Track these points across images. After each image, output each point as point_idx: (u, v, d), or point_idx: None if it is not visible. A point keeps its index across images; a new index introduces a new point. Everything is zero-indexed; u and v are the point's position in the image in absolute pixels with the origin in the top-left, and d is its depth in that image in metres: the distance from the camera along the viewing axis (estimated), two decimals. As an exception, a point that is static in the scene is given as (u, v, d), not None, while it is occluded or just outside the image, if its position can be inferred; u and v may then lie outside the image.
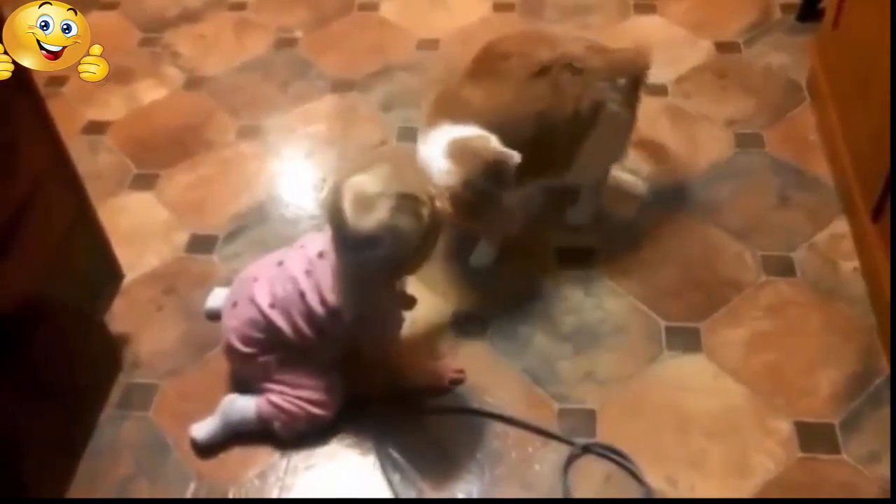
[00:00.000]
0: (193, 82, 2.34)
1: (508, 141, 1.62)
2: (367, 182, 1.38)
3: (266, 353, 1.50)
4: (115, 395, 1.63)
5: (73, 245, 1.51)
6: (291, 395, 1.50)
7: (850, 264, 1.78)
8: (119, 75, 2.37)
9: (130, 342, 1.71)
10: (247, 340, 1.50)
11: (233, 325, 1.52)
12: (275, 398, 1.50)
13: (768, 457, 1.49)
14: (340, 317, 1.47)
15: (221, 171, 2.07)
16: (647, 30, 2.43)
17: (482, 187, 1.59)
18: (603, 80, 1.71)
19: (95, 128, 2.21)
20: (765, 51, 2.33)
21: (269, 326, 1.49)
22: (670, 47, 2.36)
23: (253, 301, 1.50)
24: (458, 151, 1.60)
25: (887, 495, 1.43)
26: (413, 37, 2.44)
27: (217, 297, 1.69)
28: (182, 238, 1.91)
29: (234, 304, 1.54)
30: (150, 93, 2.32)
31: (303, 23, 2.52)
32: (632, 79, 1.74)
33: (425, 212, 1.38)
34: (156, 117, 2.25)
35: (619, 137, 1.82)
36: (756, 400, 1.57)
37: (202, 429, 1.52)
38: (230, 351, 1.54)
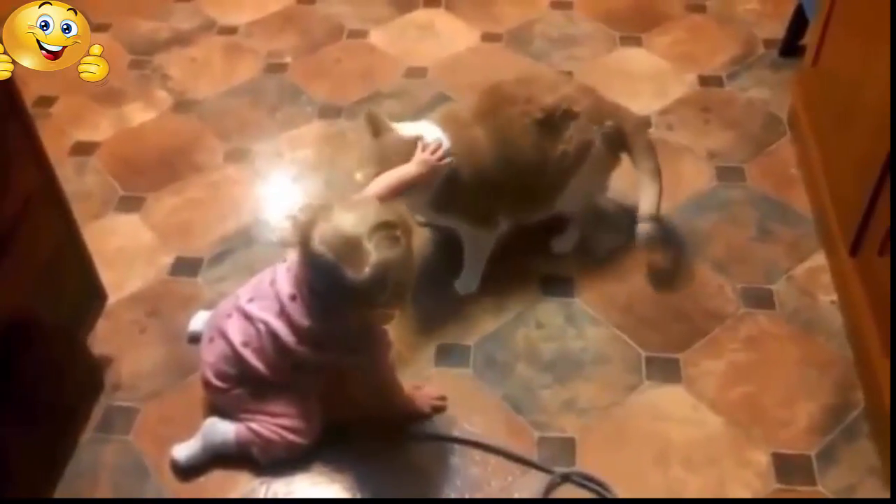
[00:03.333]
0: (182, 105, 2.36)
1: (488, 183, 1.71)
2: (339, 227, 1.37)
3: (239, 386, 1.51)
4: (96, 417, 1.62)
5: (60, 266, 1.51)
6: (269, 423, 1.50)
7: (827, 298, 1.81)
8: (108, 97, 2.38)
9: (112, 364, 1.71)
10: (221, 375, 1.52)
11: (209, 361, 1.53)
12: (253, 425, 1.51)
13: (745, 488, 1.51)
14: (322, 351, 1.47)
15: (208, 195, 2.08)
16: (632, 62, 2.46)
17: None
18: (593, 121, 1.76)
19: (83, 149, 2.22)
20: (747, 85, 2.37)
21: (242, 363, 1.49)
22: (655, 80, 2.40)
23: (225, 337, 1.51)
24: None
25: (863, 529, 1.45)
26: (401, 65, 2.47)
27: (200, 321, 1.69)
28: (167, 261, 1.92)
29: (211, 340, 1.55)
30: (138, 115, 2.33)
31: (292, 48, 2.55)
32: (617, 126, 1.79)
33: (399, 233, 1.39)
34: (144, 139, 2.26)
35: (602, 176, 1.88)
36: (734, 431, 1.59)
37: (183, 450, 1.52)
38: (207, 385, 1.55)
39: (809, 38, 2.12)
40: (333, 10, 2.70)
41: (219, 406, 1.57)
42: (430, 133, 1.68)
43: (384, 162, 1.62)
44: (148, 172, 2.15)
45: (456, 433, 1.58)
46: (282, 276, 1.51)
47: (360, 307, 1.42)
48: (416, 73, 2.44)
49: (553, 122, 1.73)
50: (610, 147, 1.79)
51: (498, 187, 1.72)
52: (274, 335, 1.47)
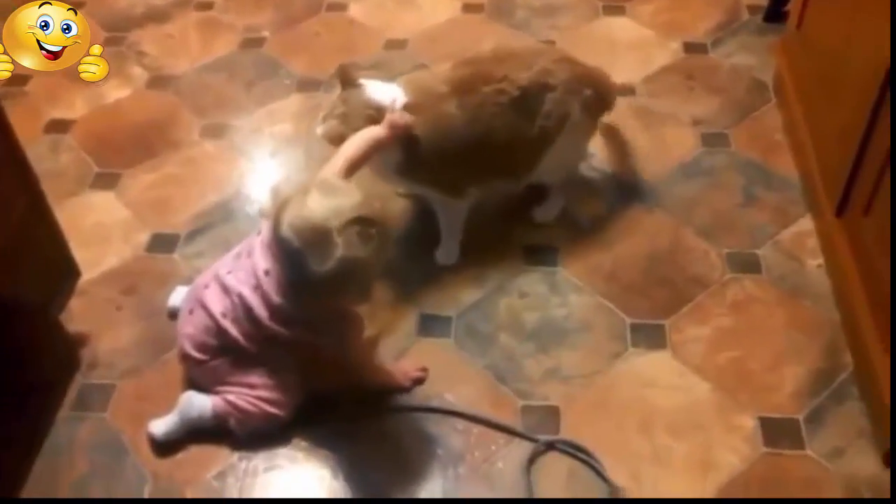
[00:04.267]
0: (158, 81, 2.32)
1: (472, 150, 1.68)
2: (311, 215, 1.34)
3: (217, 357, 1.48)
4: (72, 394, 1.59)
5: (26, 240, 1.48)
6: (247, 395, 1.48)
7: (814, 262, 1.78)
8: (83, 74, 2.34)
9: (89, 342, 1.68)
10: (201, 347, 1.49)
11: (188, 332, 1.51)
12: (231, 397, 1.48)
13: (733, 453, 1.48)
14: (291, 329, 1.45)
15: (185, 171, 2.05)
16: (615, 31, 2.43)
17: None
18: (571, 91, 1.72)
19: (58, 126, 2.18)
20: (731, 51, 2.34)
21: (223, 334, 1.47)
22: (639, 48, 2.36)
23: (205, 308, 1.48)
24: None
25: (851, 492, 1.43)
26: (381, 37, 2.43)
27: (179, 296, 1.67)
28: (143, 237, 1.89)
29: (191, 311, 1.52)
30: (114, 92, 2.29)
31: (270, 23, 2.50)
32: (596, 92, 1.76)
33: (373, 231, 1.36)
34: (119, 116, 2.22)
35: (581, 143, 1.86)
36: (720, 396, 1.57)
37: (160, 425, 1.50)
38: (185, 357, 1.52)
39: (793, 3, 2.08)
40: (312, -17, 2.66)
41: (196, 380, 1.54)
42: (390, 95, 1.65)
43: (347, 118, 1.60)
44: (123, 149, 2.11)
45: (436, 404, 1.56)
46: (258, 249, 1.48)
47: (322, 297, 1.40)
48: (396, 44, 2.40)
49: (529, 99, 1.69)
50: (589, 114, 1.76)
51: (468, 160, 1.69)
52: (247, 308, 1.45)
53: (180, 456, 1.50)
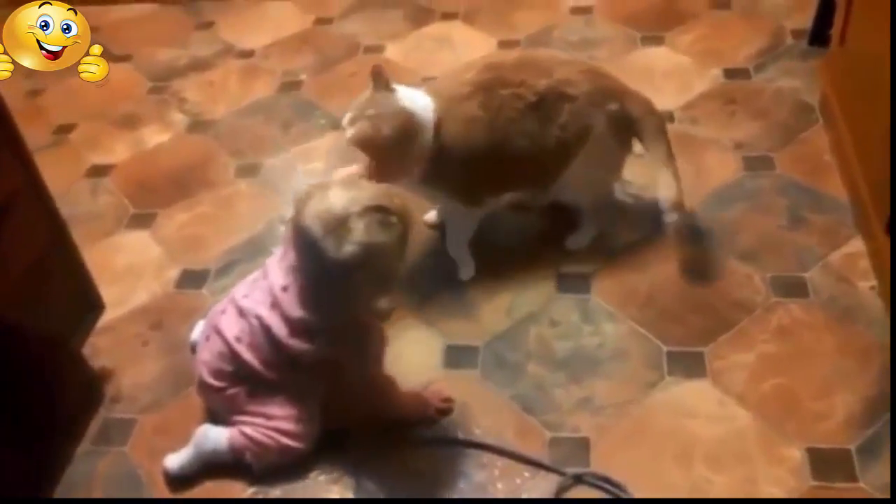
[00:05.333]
0: (197, 125, 2.35)
1: (490, 155, 1.64)
2: (331, 205, 1.33)
3: (235, 385, 1.45)
4: (94, 428, 1.58)
5: (47, 272, 1.48)
6: (263, 427, 1.43)
7: (866, 284, 1.67)
8: (125, 122, 2.40)
9: (113, 377, 1.67)
10: (217, 374, 1.46)
11: (205, 359, 1.48)
12: (247, 429, 1.44)
13: (778, 486, 1.37)
14: (314, 343, 1.40)
15: (218, 210, 2.05)
16: (653, 60, 2.38)
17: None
18: (594, 104, 1.67)
19: (98, 171, 2.23)
20: (775, 76, 2.26)
21: (237, 359, 1.43)
22: (677, 75, 2.31)
23: (220, 333, 1.45)
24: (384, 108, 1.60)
25: (910, 526, 1.31)
26: (416, 75, 2.42)
27: (200, 329, 1.64)
28: (173, 274, 1.89)
29: (207, 338, 1.49)
30: (154, 137, 2.33)
31: (308, 66, 2.53)
32: (623, 108, 1.70)
33: (394, 219, 1.33)
34: (158, 160, 2.25)
35: (609, 161, 1.79)
36: (764, 426, 1.46)
37: (175, 459, 1.46)
38: (202, 385, 1.49)
39: (836, 20, 2.01)
40: (349, 29, 2.69)
41: (214, 409, 1.51)
42: (420, 102, 1.63)
43: (376, 121, 1.57)
44: (160, 191, 2.13)
45: (461, 436, 1.49)
46: (273, 268, 1.45)
47: (342, 289, 1.35)
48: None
49: (546, 107, 1.65)
50: (615, 131, 1.70)
51: (487, 164, 1.65)
52: (266, 328, 1.41)
53: (196, 490, 1.46)
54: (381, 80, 1.62)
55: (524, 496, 1.40)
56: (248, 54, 2.63)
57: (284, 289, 1.41)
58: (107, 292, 1.71)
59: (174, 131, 2.34)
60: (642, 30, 2.50)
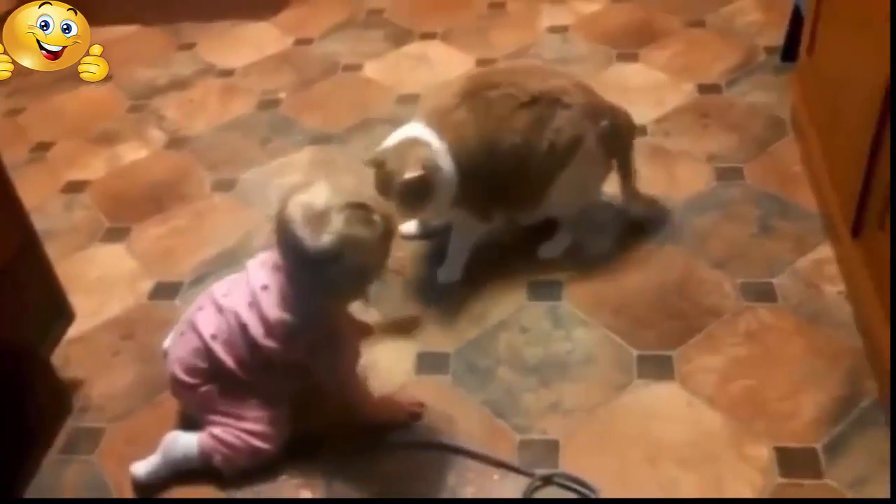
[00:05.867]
0: (175, 142, 2.36)
1: (480, 170, 1.65)
2: (313, 198, 1.34)
3: (208, 382, 1.44)
4: (62, 438, 1.57)
5: (16, 279, 1.48)
6: (234, 428, 1.43)
7: (834, 288, 1.69)
8: (104, 139, 2.41)
9: (83, 387, 1.66)
10: (190, 370, 1.45)
11: (179, 356, 1.47)
12: (217, 430, 1.44)
13: (745, 484, 1.37)
14: (290, 346, 1.40)
15: (192, 223, 2.06)
16: (628, 76, 2.41)
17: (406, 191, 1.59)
18: (587, 116, 1.70)
19: (74, 187, 2.23)
20: (748, 90, 2.29)
21: (211, 357, 1.43)
22: (652, 91, 2.33)
23: (195, 330, 1.45)
24: (399, 151, 1.62)
25: (876, 523, 1.31)
26: (394, 93, 2.46)
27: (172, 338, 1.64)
28: (147, 286, 1.89)
29: (182, 334, 1.49)
30: (131, 153, 2.34)
31: (287, 85, 2.55)
32: (613, 125, 1.74)
33: (376, 217, 1.35)
34: (134, 175, 2.26)
35: (594, 176, 1.81)
36: (733, 426, 1.46)
37: (142, 466, 1.45)
38: (174, 382, 1.48)
39: (804, 31, 2.04)
40: (329, 48, 2.72)
41: (186, 408, 1.51)
42: (418, 133, 1.64)
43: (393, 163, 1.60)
44: (136, 205, 2.14)
45: (430, 439, 1.48)
46: (255, 268, 1.46)
47: (318, 283, 1.36)
48: (408, 99, 2.41)
49: (539, 108, 1.66)
50: (604, 147, 1.72)
51: (486, 175, 1.66)
52: (243, 326, 1.41)
53: (164, 496, 1.45)
54: (378, 163, 1.64)
55: (494, 496, 1.39)
56: (227, 73, 2.66)
57: (264, 288, 1.41)
58: (79, 304, 1.70)
59: (152, 148, 2.36)
60: (618, 47, 2.54)
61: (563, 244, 1.84)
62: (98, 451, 1.54)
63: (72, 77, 2.66)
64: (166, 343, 1.65)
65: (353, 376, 1.49)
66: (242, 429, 1.43)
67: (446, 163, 1.62)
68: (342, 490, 1.44)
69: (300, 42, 2.78)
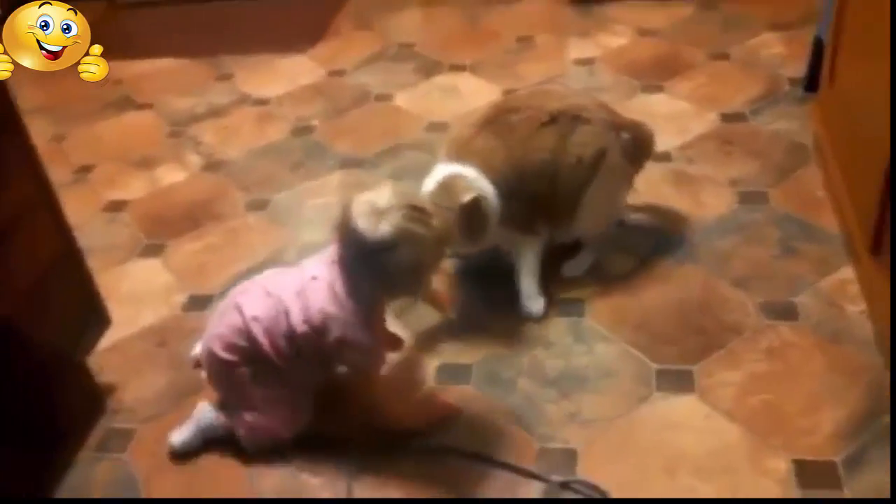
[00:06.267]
0: (211, 165, 2.45)
1: (515, 189, 1.69)
2: (377, 198, 1.41)
3: (244, 363, 1.49)
4: (96, 437, 1.62)
5: (55, 282, 1.54)
6: (258, 411, 1.51)
7: (856, 308, 1.70)
8: (143, 162, 2.50)
9: (117, 390, 1.71)
10: (229, 347, 1.49)
11: (217, 333, 1.51)
12: (243, 414, 1.51)
13: (764, 495, 1.38)
14: (321, 336, 1.45)
15: (226, 240, 2.13)
16: (653, 105, 2.46)
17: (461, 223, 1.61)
18: (608, 128, 1.75)
19: (114, 206, 2.32)
20: (771, 119, 2.32)
21: (249, 337, 1.48)
22: (675, 119, 2.38)
23: (239, 310, 1.50)
24: (444, 188, 1.65)
25: (894, 532, 1.31)
26: (424, 120, 2.52)
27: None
28: (181, 298, 1.95)
29: (223, 314, 1.54)
30: (169, 175, 2.42)
31: (320, 113, 2.64)
32: (634, 137, 1.79)
33: (434, 222, 1.41)
34: (172, 196, 2.34)
35: (619, 190, 1.84)
36: (751, 439, 1.47)
37: (178, 435, 1.55)
38: (210, 358, 1.52)
39: (825, 60, 2.08)
40: (361, 80, 2.81)
41: (218, 390, 1.57)
42: (450, 170, 1.68)
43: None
44: (172, 224, 2.21)
45: (449, 446, 1.51)
46: (309, 262, 1.53)
47: (375, 275, 1.41)
48: (438, 127, 2.48)
49: (560, 125, 1.71)
50: (628, 160, 1.78)
51: (521, 193, 1.70)
52: (285, 311, 1.46)
53: (197, 463, 1.54)
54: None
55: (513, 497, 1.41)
56: (263, 102, 2.75)
57: (314, 278, 1.47)
58: (116, 314, 1.76)
59: (189, 171, 2.44)
60: (642, 79, 2.59)
61: (586, 262, 1.87)
62: (129, 449, 1.59)
63: (114, 105, 2.80)
64: (194, 350, 1.70)
65: (376, 379, 1.53)
66: (266, 415, 1.50)
67: (485, 185, 1.66)
68: (361, 492, 1.46)
69: (333, 73, 2.87)
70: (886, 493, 1.35)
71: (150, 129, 2.69)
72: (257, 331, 1.47)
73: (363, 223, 1.38)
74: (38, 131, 2.58)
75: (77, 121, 2.77)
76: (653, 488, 1.41)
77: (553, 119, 1.71)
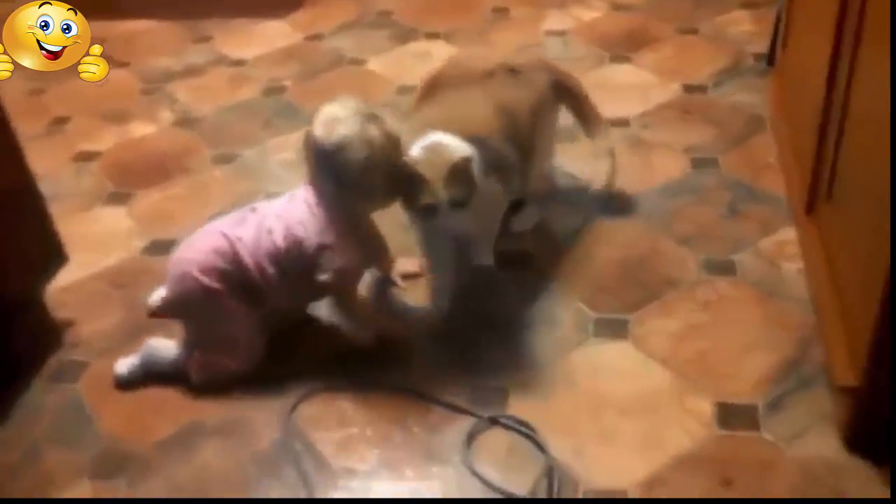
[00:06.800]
0: (183, 122, 2.49)
1: (491, 147, 1.66)
2: (335, 107, 1.51)
3: (224, 289, 1.53)
4: (50, 369, 1.67)
5: (9, 216, 1.58)
6: (211, 346, 1.56)
7: (793, 266, 1.75)
8: (117, 116, 2.54)
9: (73, 326, 1.76)
10: (209, 271, 1.53)
11: (191, 258, 1.55)
12: (199, 350, 1.57)
13: (684, 434, 1.43)
14: (301, 247, 1.52)
15: (192, 191, 2.17)
16: (618, 75, 2.50)
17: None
18: (538, 70, 1.84)
19: (85, 156, 2.36)
20: (732, 91, 2.37)
21: (235, 258, 1.53)
22: (639, 89, 2.42)
23: (221, 232, 1.56)
24: (432, 151, 1.60)
25: (806, 473, 1.35)
26: (394, 84, 2.57)
27: (158, 295, 1.75)
28: (142, 243, 2.00)
29: (191, 243, 1.60)
30: (141, 130, 2.47)
31: (294, 74, 2.68)
32: (558, 79, 1.88)
33: (385, 123, 1.49)
34: (142, 148, 2.39)
35: (552, 132, 1.93)
36: (679, 383, 1.52)
37: (123, 365, 1.61)
38: (183, 284, 1.55)
39: (778, 38, 2.13)
40: (337, 44, 2.84)
41: (182, 321, 1.61)
42: (432, 140, 1.61)
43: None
44: (140, 174, 2.26)
45: (385, 380, 1.58)
46: (297, 192, 1.60)
47: (335, 179, 1.50)
48: (408, 90, 2.50)
49: (498, 78, 1.76)
50: (557, 98, 1.86)
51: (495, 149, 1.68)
52: (269, 231, 1.54)
53: (137, 394, 1.60)
54: None
55: (438, 436, 1.46)
56: (239, 63, 2.79)
57: (292, 197, 1.57)
58: (78, 257, 1.82)
59: (160, 126, 2.48)
60: (612, 50, 2.63)
61: (533, 217, 1.92)
62: (81, 380, 1.64)
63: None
64: (151, 298, 1.75)
65: (353, 293, 1.63)
66: (218, 349, 1.56)
67: (468, 148, 1.61)
68: (298, 424, 1.51)
69: (310, 38, 2.91)
70: (804, 437, 1.40)
71: (126, 86, 2.73)
72: (243, 252, 1.52)
73: (320, 130, 1.48)
74: (18, 85, 2.65)
75: (57, 76, 2.77)
76: (579, 426, 1.46)
77: (489, 74, 1.76)
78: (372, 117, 1.50)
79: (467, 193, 1.56)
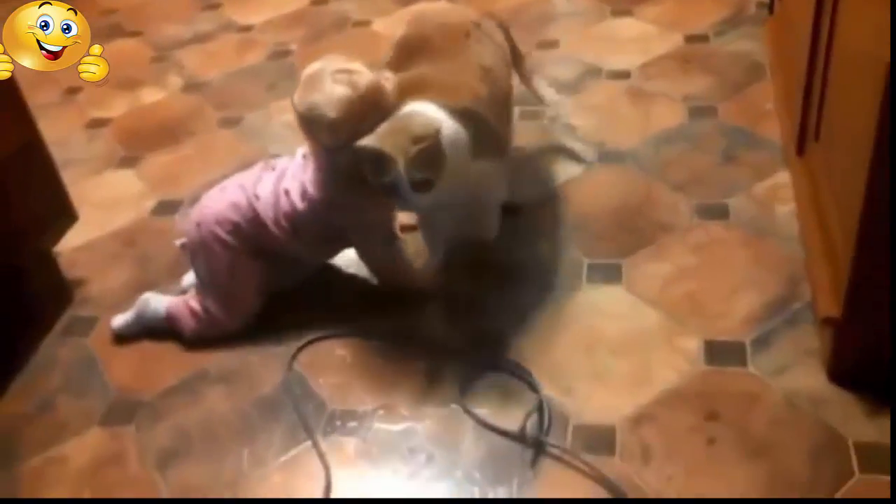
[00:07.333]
0: (190, 87, 2.54)
1: (477, 111, 1.59)
2: (314, 66, 1.53)
3: (236, 237, 1.57)
4: (62, 324, 1.74)
5: (18, 174, 1.64)
6: (204, 302, 1.61)
7: (785, 208, 1.76)
8: (128, 84, 2.59)
9: (85, 284, 1.83)
10: (223, 222, 1.57)
11: (208, 212, 1.59)
12: (191, 301, 1.61)
13: (672, 370, 1.47)
14: (316, 209, 1.55)
15: (198, 153, 2.23)
16: (620, 28, 2.51)
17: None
18: (490, 20, 1.85)
19: (97, 123, 2.43)
20: (733, 40, 2.37)
21: (252, 213, 1.57)
22: (640, 41, 2.42)
23: (242, 187, 1.60)
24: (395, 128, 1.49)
25: (790, 404, 1.38)
26: (397, 43, 2.59)
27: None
28: (150, 204, 2.06)
29: (223, 189, 1.63)
30: (150, 96, 2.53)
31: (299, 38, 2.71)
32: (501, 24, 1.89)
33: (360, 80, 1.48)
34: (151, 114, 2.45)
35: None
36: (669, 323, 1.55)
37: (119, 319, 1.67)
38: (200, 229, 1.59)
39: (780, -22, 2.12)
40: (343, 7, 2.87)
41: (194, 267, 1.65)
42: (405, 111, 1.54)
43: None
44: (149, 139, 2.32)
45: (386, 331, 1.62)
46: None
47: (323, 141, 1.51)
48: (410, 50, 2.54)
49: (476, 36, 1.73)
50: (509, 43, 1.87)
51: (482, 113, 1.61)
52: (286, 192, 1.57)
53: (132, 346, 1.67)
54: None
55: (441, 377, 1.51)
56: (246, 29, 2.83)
57: (305, 156, 1.60)
58: (89, 218, 1.89)
59: (169, 91, 2.54)
60: (613, 3, 2.63)
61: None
62: (92, 335, 1.71)
63: (105, 32, 2.89)
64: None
65: (380, 235, 1.62)
66: (210, 305, 1.60)
67: (445, 118, 1.49)
68: (299, 370, 1.57)
69: (316, 2, 2.94)
70: (789, 371, 1.43)
71: (137, 54, 2.79)
72: (261, 209, 1.57)
73: (296, 95, 1.50)
74: (30, 56, 2.70)
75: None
76: (570, 366, 1.50)
77: (468, 33, 1.72)
78: (344, 73, 1.47)
79: (433, 173, 1.43)
